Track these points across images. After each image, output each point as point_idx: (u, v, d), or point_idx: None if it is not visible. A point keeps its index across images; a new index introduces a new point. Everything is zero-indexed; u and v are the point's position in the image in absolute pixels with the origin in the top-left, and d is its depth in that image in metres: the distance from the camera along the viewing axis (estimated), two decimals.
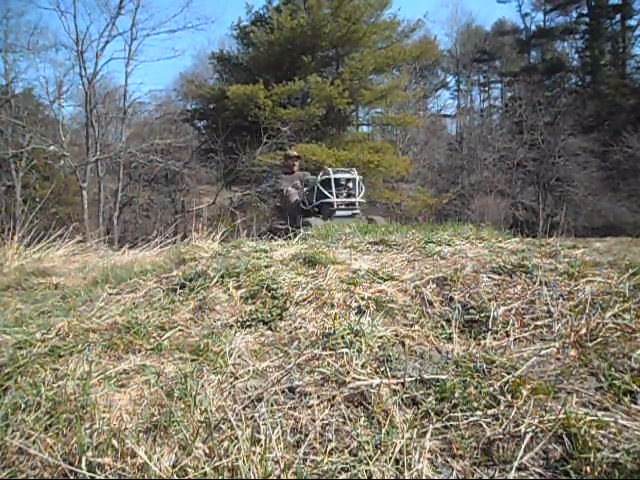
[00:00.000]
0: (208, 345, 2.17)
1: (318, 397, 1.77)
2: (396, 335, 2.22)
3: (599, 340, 2.03)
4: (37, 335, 2.43)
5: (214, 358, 2.07)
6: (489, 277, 2.72)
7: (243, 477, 1.42)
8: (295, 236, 4.59)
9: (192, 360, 2.08)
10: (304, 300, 2.60)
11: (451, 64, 35.28)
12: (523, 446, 1.49)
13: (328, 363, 1.96)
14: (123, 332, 2.36)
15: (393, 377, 1.87)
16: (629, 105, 27.93)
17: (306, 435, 1.61)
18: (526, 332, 2.19)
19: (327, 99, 19.38)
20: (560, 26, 33.99)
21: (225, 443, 1.55)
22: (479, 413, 1.65)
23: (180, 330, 2.41)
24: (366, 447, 1.52)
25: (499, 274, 2.74)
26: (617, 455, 1.41)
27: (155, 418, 1.67)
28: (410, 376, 1.87)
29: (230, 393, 1.84)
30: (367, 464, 1.45)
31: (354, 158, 18.91)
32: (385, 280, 2.81)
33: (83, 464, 1.47)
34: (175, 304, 2.74)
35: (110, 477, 1.45)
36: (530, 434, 1.53)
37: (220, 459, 1.47)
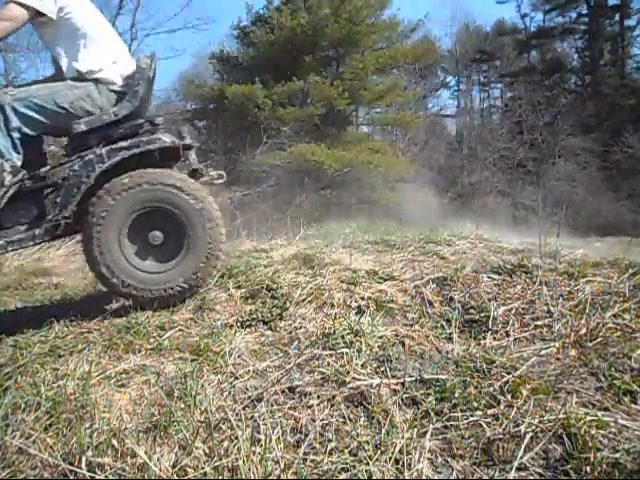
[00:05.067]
0: (208, 345, 2.17)
1: (318, 397, 1.77)
2: (396, 335, 2.22)
3: (599, 340, 2.03)
4: (37, 335, 2.43)
5: (214, 358, 2.07)
6: (489, 277, 2.72)
7: (243, 477, 1.42)
8: None
9: (192, 360, 2.08)
10: (304, 300, 2.60)
11: (451, 64, 35.30)
12: (523, 446, 1.49)
13: (328, 363, 1.96)
14: (123, 332, 2.36)
15: (393, 377, 1.87)
16: (629, 105, 27.90)
17: (306, 435, 1.61)
18: (526, 332, 2.19)
19: (327, 99, 19.36)
20: (559, 26, 33.99)
21: (225, 443, 1.55)
22: (479, 413, 1.65)
23: (180, 330, 2.42)
24: (366, 447, 1.52)
25: (499, 274, 2.74)
26: (617, 455, 1.41)
27: (155, 418, 1.67)
28: (410, 376, 1.87)
29: (230, 393, 1.84)
30: (367, 464, 1.45)
31: (354, 158, 18.89)
32: (385, 280, 2.81)
33: (83, 464, 1.47)
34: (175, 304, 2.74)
35: (110, 477, 1.45)
36: (530, 434, 1.53)
37: (220, 459, 1.47)
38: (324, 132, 20.84)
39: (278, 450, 1.50)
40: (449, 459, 1.50)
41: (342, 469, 1.45)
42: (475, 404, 1.69)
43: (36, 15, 2.55)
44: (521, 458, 1.46)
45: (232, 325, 2.43)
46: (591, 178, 24.70)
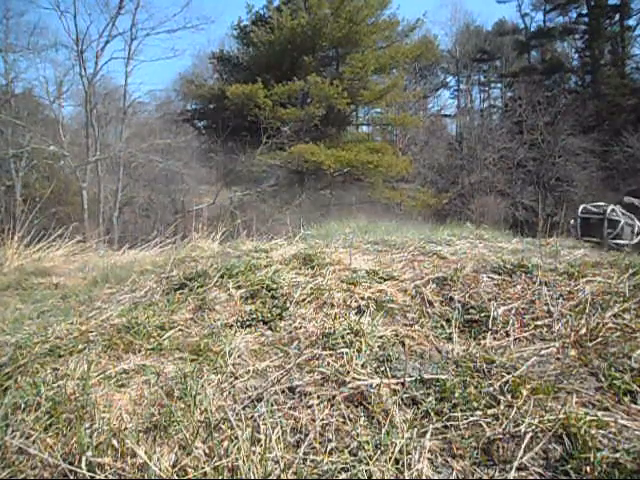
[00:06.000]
0: (208, 345, 2.17)
1: (318, 397, 1.77)
2: (396, 335, 2.22)
3: (599, 340, 2.03)
4: (37, 335, 2.43)
5: (214, 358, 2.07)
6: (489, 277, 2.72)
7: (243, 477, 1.42)
8: None
9: (192, 360, 2.08)
10: (304, 300, 2.60)
11: (451, 64, 35.28)
12: (523, 446, 1.49)
13: (328, 363, 1.96)
14: (123, 332, 2.36)
15: (393, 377, 1.87)
16: (629, 105, 27.89)
17: (306, 435, 1.61)
18: (526, 332, 2.19)
19: (327, 99, 19.40)
20: (560, 26, 34.01)
21: (225, 443, 1.55)
22: (479, 413, 1.65)
23: (180, 330, 2.41)
24: (366, 447, 1.52)
25: (499, 274, 2.74)
26: (617, 455, 1.41)
27: (155, 418, 1.67)
28: (410, 376, 1.87)
29: (230, 393, 1.84)
30: (367, 464, 1.45)
31: (354, 158, 18.91)
32: (385, 280, 2.81)
33: (83, 464, 1.47)
34: (175, 304, 2.74)
35: (110, 477, 1.45)
36: (530, 434, 1.53)
37: (220, 459, 1.47)
38: (324, 132, 20.85)
39: (278, 450, 1.50)
40: (449, 459, 1.50)
41: (342, 469, 1.45)
42: (475, 404, 1.69)
43: None
44: (521, 458, 1.46)
45: (232, 325, 2.42)
46: (591, 178, 24.69)
